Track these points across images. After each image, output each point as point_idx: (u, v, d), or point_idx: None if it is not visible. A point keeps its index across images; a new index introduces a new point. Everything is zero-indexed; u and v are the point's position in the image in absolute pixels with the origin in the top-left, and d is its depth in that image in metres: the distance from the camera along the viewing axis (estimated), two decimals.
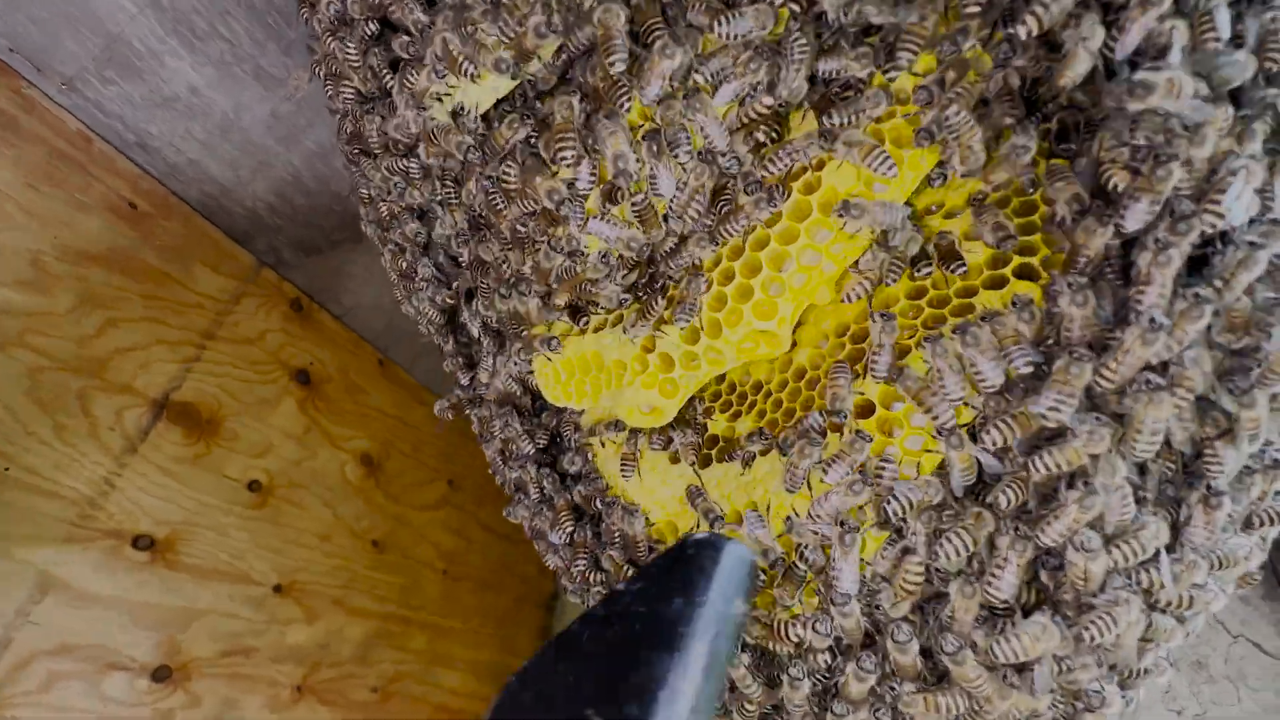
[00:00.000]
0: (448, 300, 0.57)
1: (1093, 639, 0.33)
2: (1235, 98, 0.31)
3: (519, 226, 0.42)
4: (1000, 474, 0.35)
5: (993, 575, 0.34)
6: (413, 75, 0.41)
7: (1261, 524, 0.36)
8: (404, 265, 0.56)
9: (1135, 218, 0.30)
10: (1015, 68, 0.34)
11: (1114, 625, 0.33)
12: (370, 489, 1.42)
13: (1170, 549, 0.35)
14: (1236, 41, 0.31)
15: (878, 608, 0.38)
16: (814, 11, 0.35)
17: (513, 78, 0.37)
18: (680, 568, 0.26)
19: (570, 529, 0.54)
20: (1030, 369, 0.33)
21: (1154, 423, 0.31)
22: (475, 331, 0.54)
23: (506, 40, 0.35)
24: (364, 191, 0.56)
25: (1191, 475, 0.34)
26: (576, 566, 0.53)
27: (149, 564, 1.11)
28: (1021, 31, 0.30)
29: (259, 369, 1.27)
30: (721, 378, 0.47)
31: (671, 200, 0.39)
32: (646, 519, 0.47)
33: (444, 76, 0.38)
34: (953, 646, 0.35)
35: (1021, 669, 0.36)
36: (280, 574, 1.27)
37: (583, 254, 0.41)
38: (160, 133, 1.07)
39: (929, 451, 0.36)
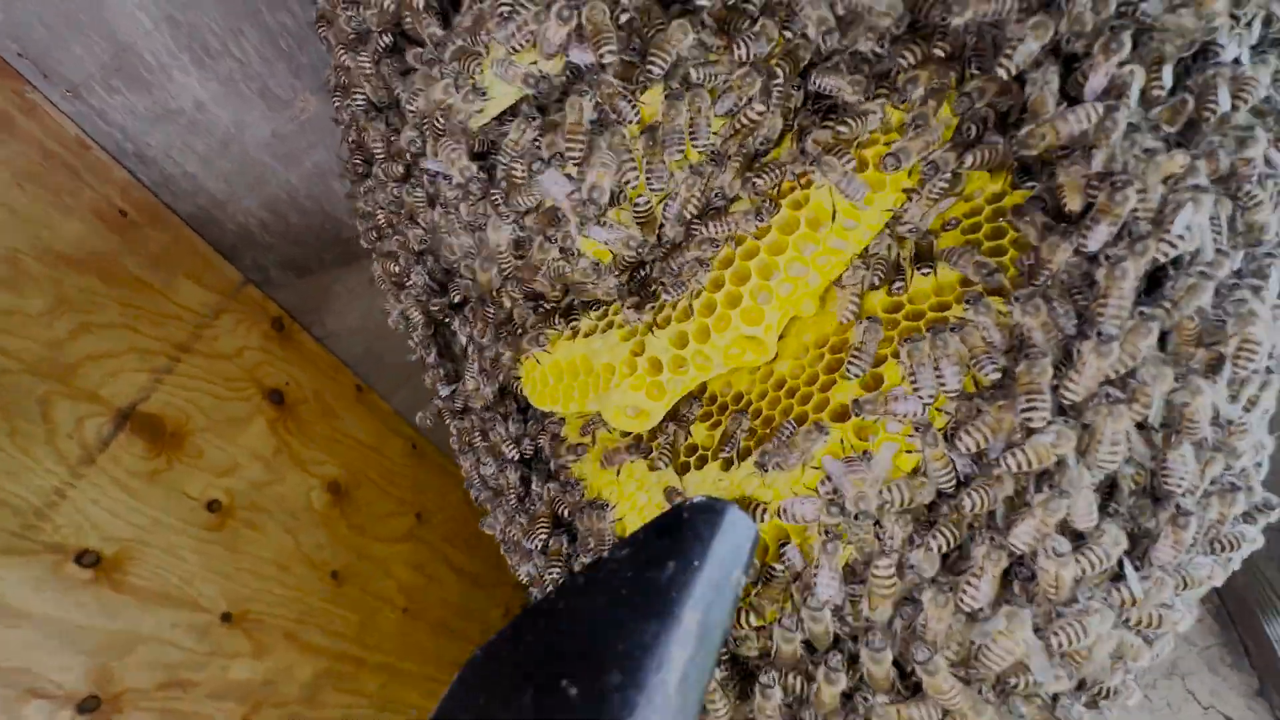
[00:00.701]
0: (436, 309, 0.57)
1: (1061, 645, 0.33)
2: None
3: (519, 227, 0.43)
4: (973, 477, 0.35)
5: (968, 584, 0.35)
6: (424, 88, 0.42)
7: (1224, 549, 0.37)
8: (396, 270, 0.57)
9: (1096, 238, 0.32)
10: (976, 111, 0.36)
11: (1084, 633, 0.33)
12: (335, 518, 1.38)
13: (1138, 567, 0.35)
14: (1177, 93, 0.35)
15: (846, 617, 0.38)
16: (799, 32, 0.38)
17: (532, 85, 0.38)
18: (674, 533, 0.25)
19: (545, 535, 0.53)
20: (998, 375, 0.35)
21: (1114, 434, 0.32)
22: (464, 339, 0.54)
23: (520, 48, 0.37)
24: (360, 205, 0.57)
25: (1158, 495, 0.36)
26: (550, 574, 0.52)
27: (91, 582, 1.05)
28: (1000, 73, 0.34)
29: (232, 386, 1.24)
30: (702, 390, 0.47)
31: (665, 207, 0.41)
32: (621, 520, 0.47)
33: (461, 90, 0.39)
34: (924, 655, 0.35)
35: (996, 683, 0.36)
36: (230, 602, 1.21)
37: (577, 254, 0.42)
38: (159, 144, 1.08)
39: (907, 453, 0.37)
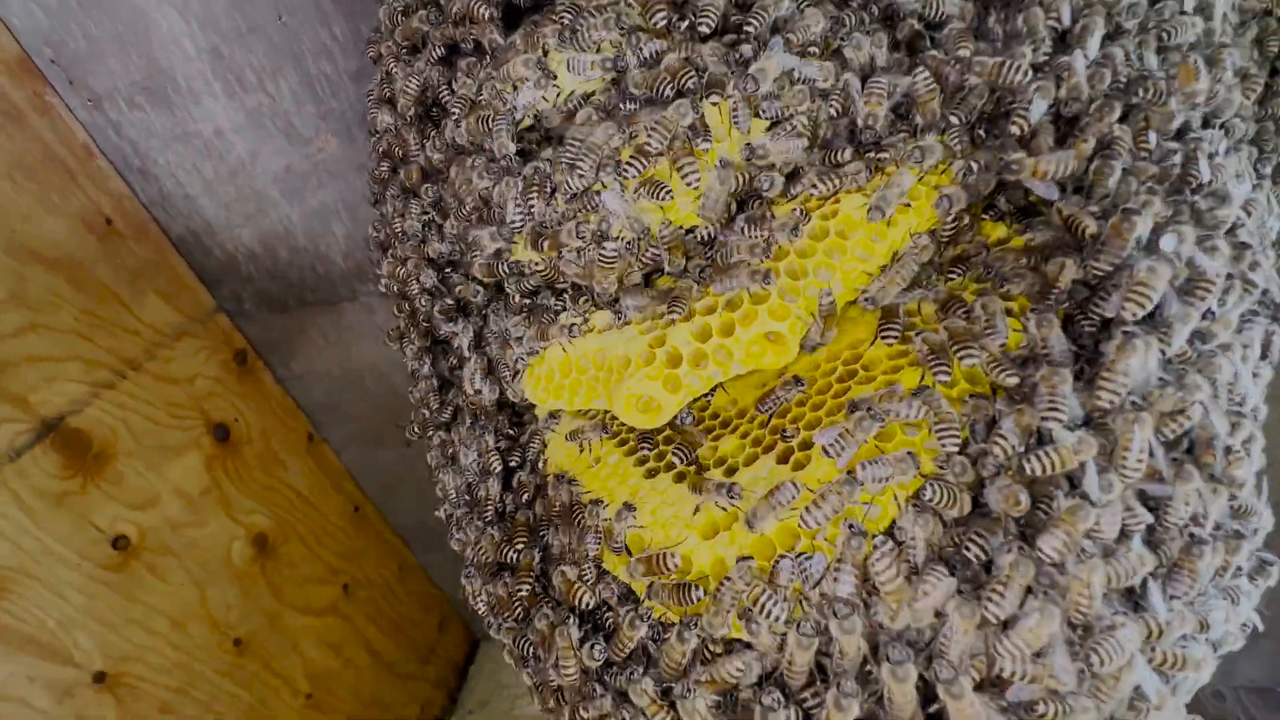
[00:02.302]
0: (439, 313, 0.55)
1: (1094, 666, 0.31)
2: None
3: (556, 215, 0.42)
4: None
5: (994, 593, 0.33)
6: (499, 69, 0.43)
7: (1234, 602, 0.36)
8: (403, 274, 0.56)
9: (1107, 259, 0.34)
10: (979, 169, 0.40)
11: (1118, 650, 0.31)
12: (253, 576, 1.25)
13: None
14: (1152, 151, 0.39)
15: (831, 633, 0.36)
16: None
17: (613, 69, 0.40)
18: None
19: (523, 546, 0.49)
20: (1015, 380, 0.35)
21: (1141, 442, 0.33)
22: (464, 344, 0.52)
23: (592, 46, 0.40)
24: (385, 209, 0.58)
25: (1165, 525, 0.35)
26: (520, 590, 0.46)
27: None
28: (1014, 130, 0.37)
29: (175, 412, 1.17)
30: (704, 406, 0.46)
31: (701, 207, 0.42)
32: (628, 518, 0.43)
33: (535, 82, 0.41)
34: (948, 674, 0.32)
35: (1026, 711, 0.32)
36: (108, 659, 1.06)
37: (609, 237, 0.42)
38: (168, 163, 1.09)
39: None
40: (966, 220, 0.42)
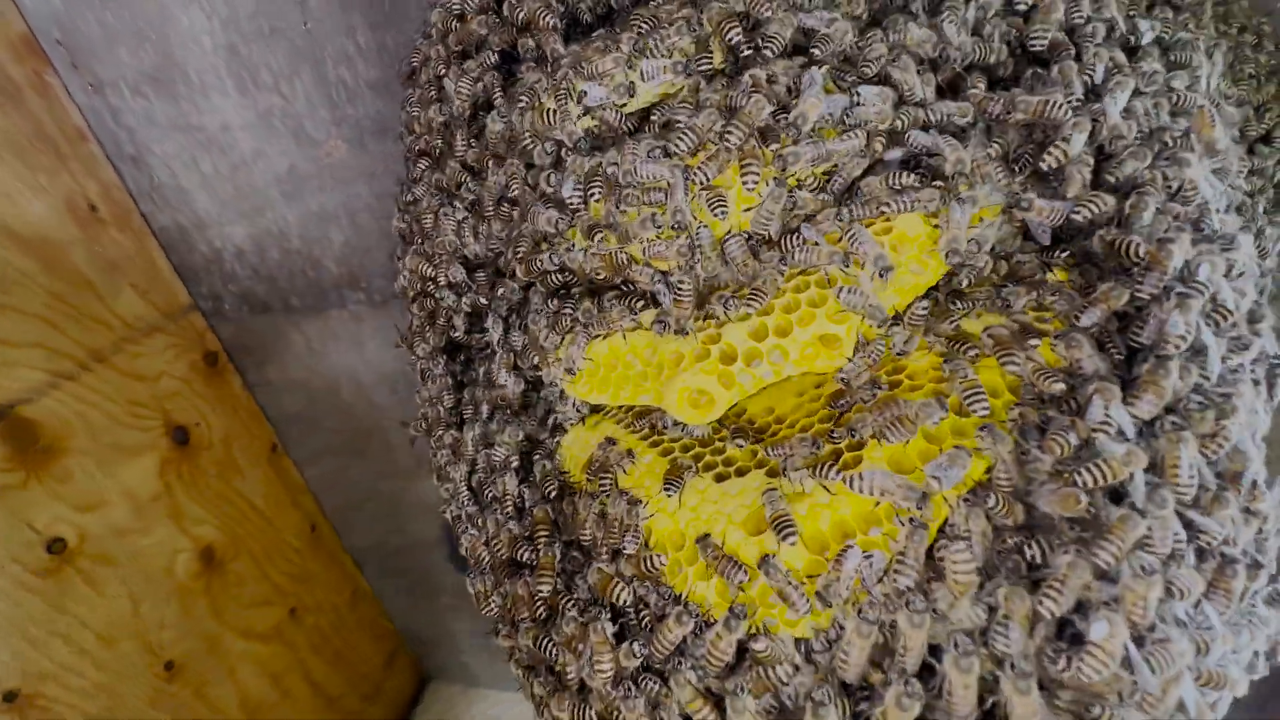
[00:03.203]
0: (474, 305, 0.54)
1: (1158, 667, 0.31)
2: None
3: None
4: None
5: (1050, 590, 0.32)
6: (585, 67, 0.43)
7: (1253, 626, 0.37)
8: (428, 271, 0.55)
9: (1151, 283, 0.37)
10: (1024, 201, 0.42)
11: (1171, 664, 0.31)
12: (195, 593, 1.17)
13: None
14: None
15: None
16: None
17: (687, 75, 0.42)
18: None
19: (545, 539, 0.47)
20: (1062, 386, 0.37)
21: (1189, 458, 0.34)
22: (495, 336, 0.52)
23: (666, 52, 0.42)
24: (414, 204, 0.58)
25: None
26: (540, 589, 0.44)
27: None
28: (1048, 160, 0.41)
29: (136, 411, 1.11)
30: (740, 412, 0.47)
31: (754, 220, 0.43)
32: (652, 519, 0.42)
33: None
34: (1027, 668, 0.31)
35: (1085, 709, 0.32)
36: (23, 676, 0.96)
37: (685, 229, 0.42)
38: (164, 153, 1.07)
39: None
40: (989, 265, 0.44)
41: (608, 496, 0.45)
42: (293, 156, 1.03)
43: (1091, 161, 0.42)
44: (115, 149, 1.08)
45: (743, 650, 0.40)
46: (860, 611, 0.36)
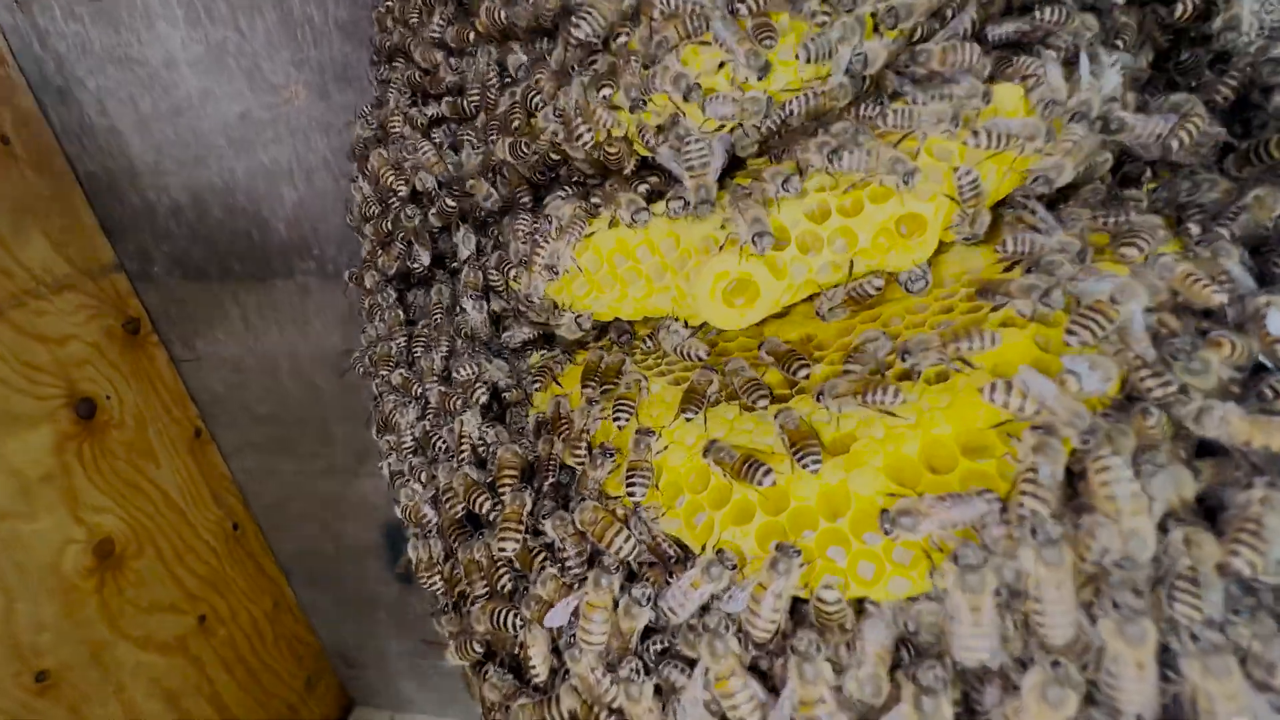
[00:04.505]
0: (442, 214, 0.46)
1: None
2: None
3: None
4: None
5: (1243, 535, 0.25)
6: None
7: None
8: (391, 179, 0.46)
9: None
10: None
11: None
12: (85, 593, 1.00)
13: None
14: None
15: None
16: None
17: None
18: None
19: (512, 482, 0.37)
20: (1222, 295, 0.30)
21: None
22: (466, 251, 0.43)
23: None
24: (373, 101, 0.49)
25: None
26: (503, 547, 0.34)
27: None
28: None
29: (34, 376, 0.96)
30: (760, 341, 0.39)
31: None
32: (665, 450, 0.33)
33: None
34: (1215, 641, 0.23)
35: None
36: None
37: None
38: (99, 88, 0.95)
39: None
40: None
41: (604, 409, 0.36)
42: (245, 101, 0.92)
43: None
44: (39, 78, 0.96)
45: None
46: (959, 558, 0.27)
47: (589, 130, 0.40)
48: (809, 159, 0.35)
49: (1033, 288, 0.33)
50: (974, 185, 0.36)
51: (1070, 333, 0.31)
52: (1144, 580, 0.28)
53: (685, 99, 0.36)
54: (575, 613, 0.33)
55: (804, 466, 0.31)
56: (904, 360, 0.34)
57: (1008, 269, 0.37)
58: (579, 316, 0.42)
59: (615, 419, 0.36)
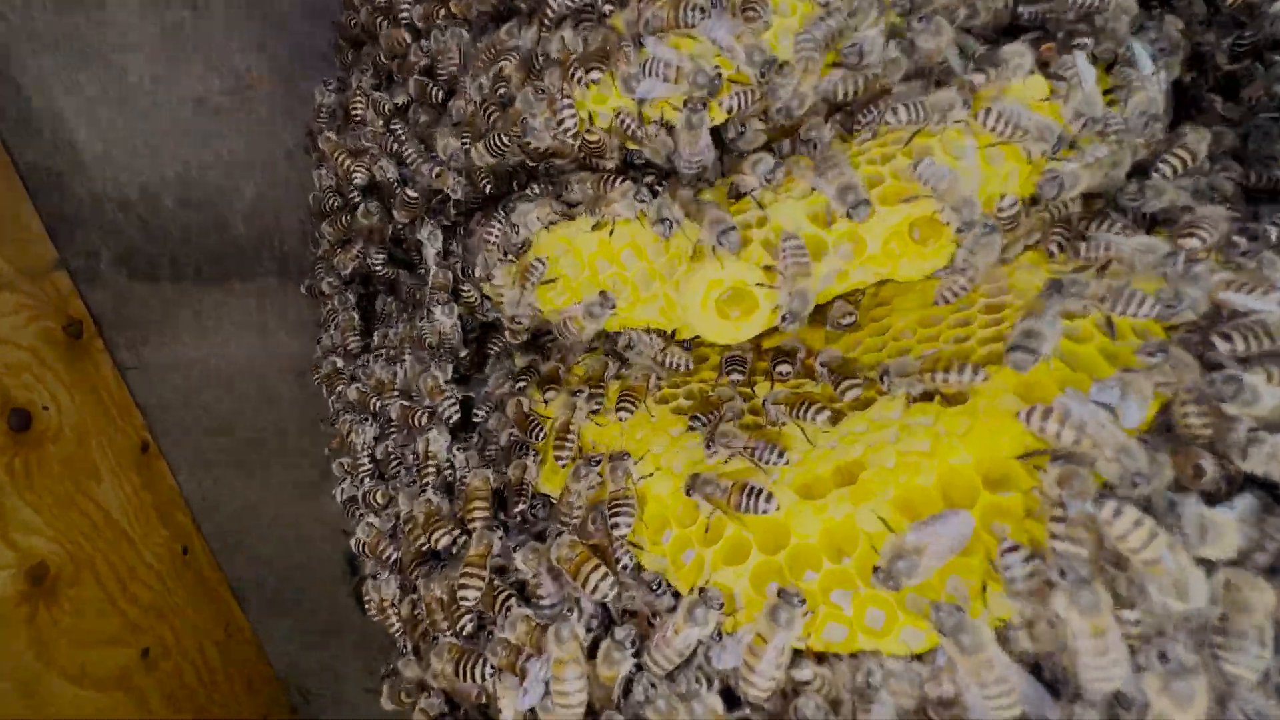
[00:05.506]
0: (408, 206, 0.42)
1: None
2: None
3: None
4: None
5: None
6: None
7: None
8: (348, 166, 0.41)
9: None
10: None
11: None
12: (14, 621, 0.91)
13: None
14: None
15: None
16: None
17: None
18: None
19: (482, 518, 0.31)
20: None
21: None
22: (433, 250, 0.38)
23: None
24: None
25: None
26: (466, 591, 0.29)
27: None
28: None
29: None
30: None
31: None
32: (649, 476, 0.29)
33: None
34: None
35: None
36: None
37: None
38: (40, 71, 0.88)
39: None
40: None
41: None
42: (203, 86, 0.86)
43: None
44: None
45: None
46: (1066, 575, 0.23)
47: (572, 116, 0.36)
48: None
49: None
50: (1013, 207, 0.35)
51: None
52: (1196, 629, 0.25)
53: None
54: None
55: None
56: (882, 382, 0.32)
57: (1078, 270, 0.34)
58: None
59: (619, 411, 0.32)
